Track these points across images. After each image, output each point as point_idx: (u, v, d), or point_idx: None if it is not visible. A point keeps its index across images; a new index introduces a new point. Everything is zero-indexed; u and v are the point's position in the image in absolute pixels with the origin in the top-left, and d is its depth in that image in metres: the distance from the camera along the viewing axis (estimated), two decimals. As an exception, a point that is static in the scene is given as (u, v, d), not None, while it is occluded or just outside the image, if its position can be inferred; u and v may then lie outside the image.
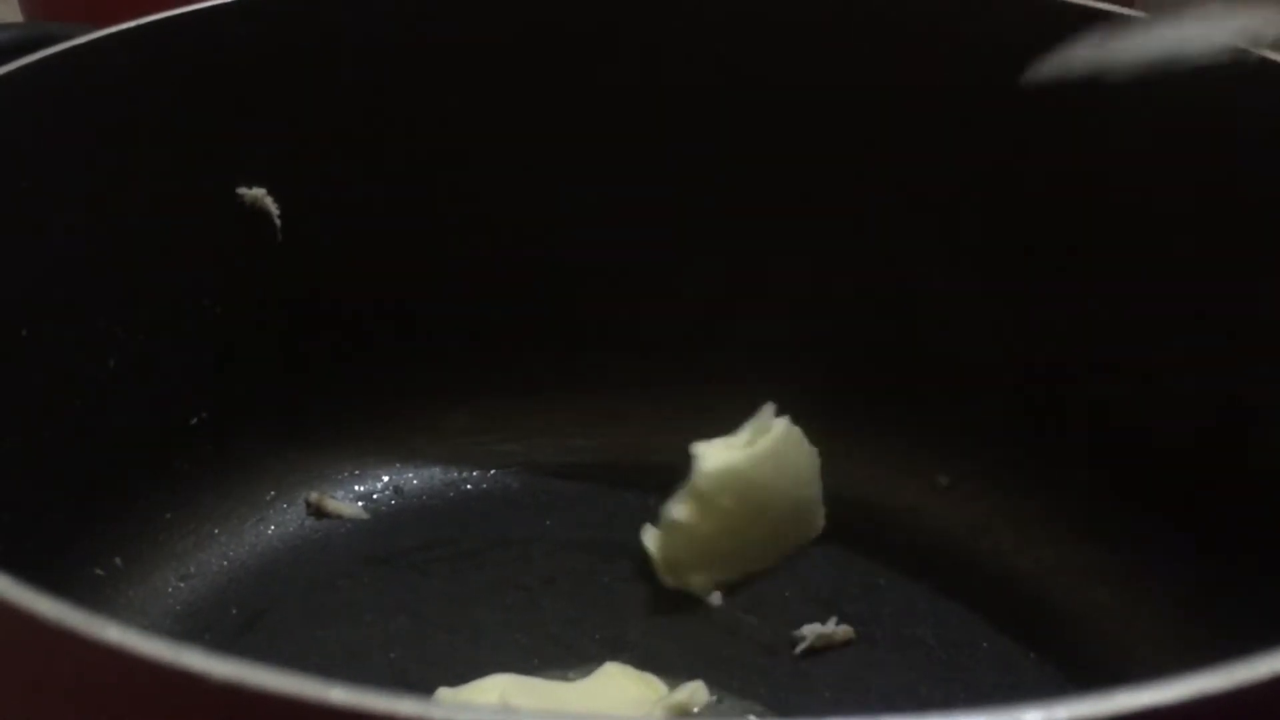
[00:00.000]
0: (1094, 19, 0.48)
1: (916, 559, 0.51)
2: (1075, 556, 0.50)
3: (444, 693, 0.43)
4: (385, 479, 0.54)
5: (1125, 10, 0.48)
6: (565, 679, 0.45)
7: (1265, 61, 0.43)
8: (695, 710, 0.44)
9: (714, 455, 0.47)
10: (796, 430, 0.49)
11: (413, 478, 0.55)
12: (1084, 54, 0.40)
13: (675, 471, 0.49)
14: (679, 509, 0.47)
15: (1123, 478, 0.49)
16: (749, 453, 0.48)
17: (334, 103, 0.51)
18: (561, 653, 0.47)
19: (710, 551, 0.48)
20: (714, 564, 0.49)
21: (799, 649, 0.48)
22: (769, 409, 0.48)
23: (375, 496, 0.54)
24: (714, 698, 0.45)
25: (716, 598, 0.49)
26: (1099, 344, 0.50)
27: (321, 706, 0.22)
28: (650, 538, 0.49)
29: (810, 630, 0.48)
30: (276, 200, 0.50)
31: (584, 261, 0.54)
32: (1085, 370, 0.50)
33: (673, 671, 0.46)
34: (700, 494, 0.47)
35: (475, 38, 0.51)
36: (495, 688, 0.43)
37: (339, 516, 0.53)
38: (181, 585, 0.49)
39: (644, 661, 0.46)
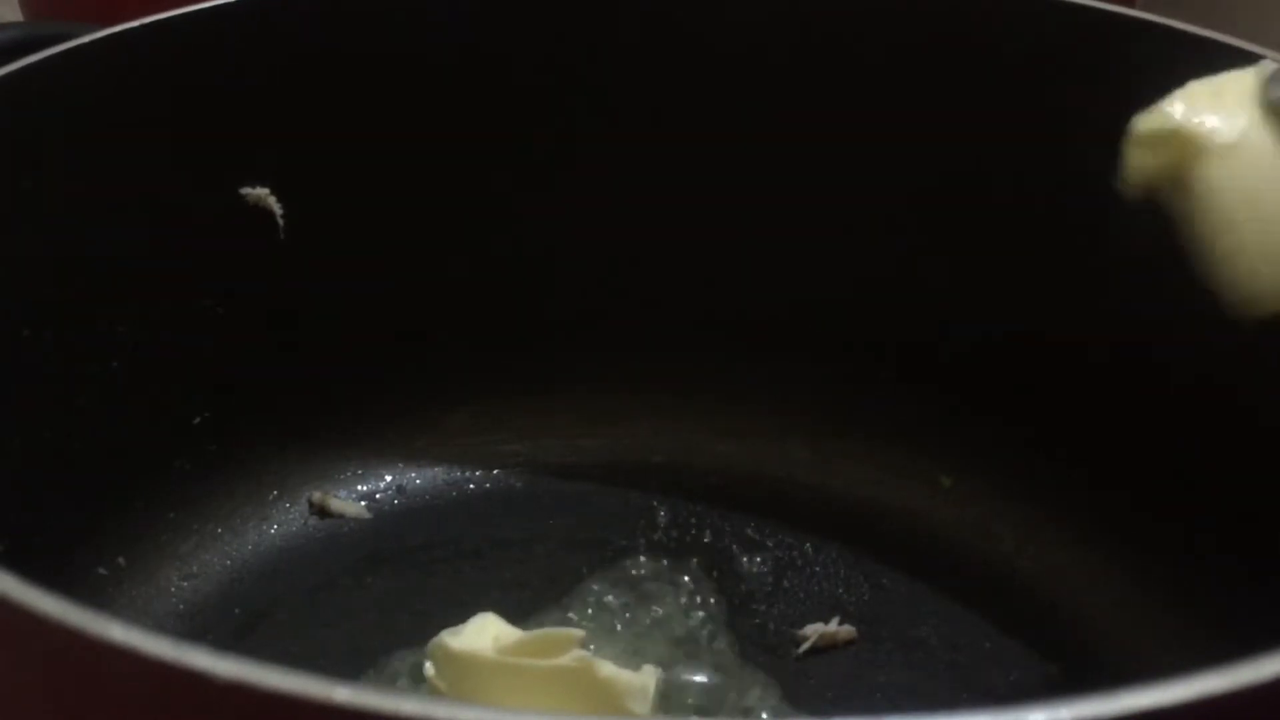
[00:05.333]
0: (1094, 19, 0.48)
1: (919, 559, 0.51)
2: (1078, 557, 0.50)
3: (444, 635, 0.43)
4: (388, 479, 0.54)
5: (1125, 10, 0.48)
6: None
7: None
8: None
9: (466, 636, 0.43)
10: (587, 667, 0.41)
11: (415, 477, 0.55)
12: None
13: (676, 471, 0.49)
14: (430, 666, 0.44)
15: (1124, 478, 0.49)
16: (490, 652, 0.42)
17: (336, 102, 0.51)
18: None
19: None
20: None
21: (802, 648, 0.48)
22: (569, 640, 0.42)
23: (378, 496, 0.54)
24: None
25: None
26: (1101, 345, 0.50)
27: (325, 706, 0.22)
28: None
29: (813, 630, 0.48)
30: (280, 200, 0.50)
31: (586, 262, 0.54)
32: (1088, 371, 0.50)
33: (675, 670, 0.46)
34: (437, 663, 0.44)
35: (475, 37, 0.51)
36: (489, 629, 0.43)
37: (342, 516, 0.53)
38: (185, 585, 0.49)
39: (645, 660, 0.46)
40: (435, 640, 0.43)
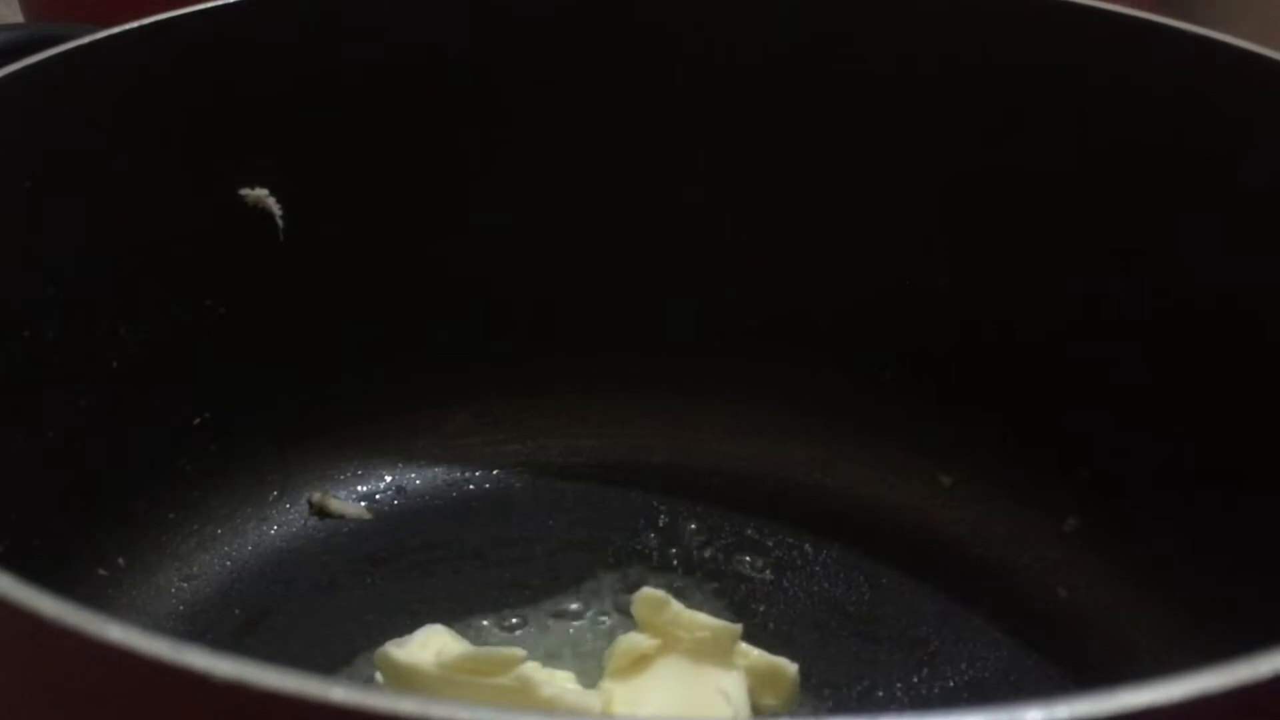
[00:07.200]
0: (1094, 19, 0.48)
1: (919, 558, 0.51)
2: (1077, 556, 0.50)
3: (389, 646, 0.44)
4: (388, 479, 0.54)
5: (1125, 10, 0.48)
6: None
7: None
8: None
9: (410, 649, 0.43)
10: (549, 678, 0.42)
11: (415, 478, 0.55)
12: None
13: (676, 471, 0.49)
14: (379, 675, 0.44)
15: (1125, 478, 0.49)
16: (432, 667, 0.43)
17: (336, 102, 0.51)
18: (563, 652, 0.47)
19: None
20: None
21: None
22: (512, 659, 0.41)
23: (378, 497, 0.54)
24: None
25: None
26: (1102, 344, 0.50)
27: (323, 706, 0.22)
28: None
29: None
30: (279, 200, 0.50)
31: (586, 263, 0.54)
32: (1088, 370, 0.50)
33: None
34: (383, 672, 0.44)
35: (476, 37, 0.51)
36: (433, 642, 0.43)
37: (342, 516, 0.53)
38: (184, 585, 0.49)
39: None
40: (381, 650, 0.44)
